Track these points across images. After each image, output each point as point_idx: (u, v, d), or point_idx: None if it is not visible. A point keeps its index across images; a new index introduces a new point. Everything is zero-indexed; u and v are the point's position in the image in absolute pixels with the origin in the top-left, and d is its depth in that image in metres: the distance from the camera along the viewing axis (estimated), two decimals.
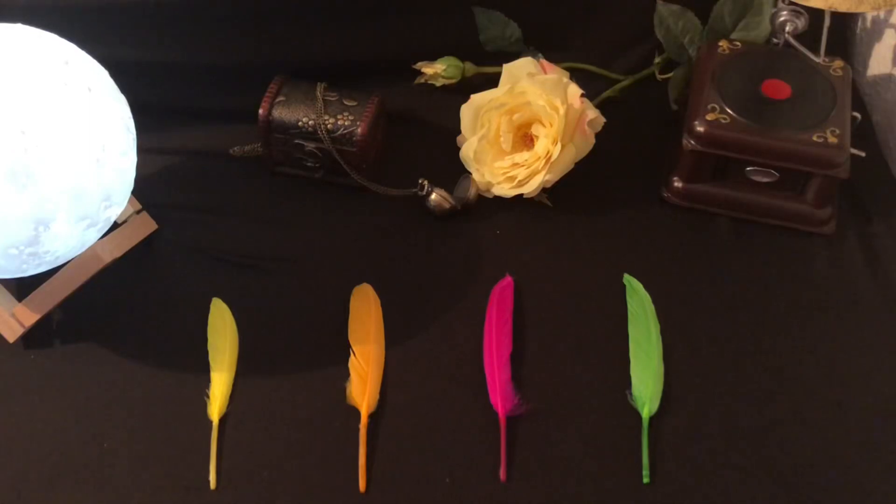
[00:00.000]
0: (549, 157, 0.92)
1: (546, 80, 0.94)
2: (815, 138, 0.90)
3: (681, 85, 1.05)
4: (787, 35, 0.96)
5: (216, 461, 0.80)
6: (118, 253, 0.89)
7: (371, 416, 0.82)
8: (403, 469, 0.80)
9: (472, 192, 0.96)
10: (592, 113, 0.95)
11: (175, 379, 0.85)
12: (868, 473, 0.79)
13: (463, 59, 1.06)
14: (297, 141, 0.96)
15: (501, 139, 0.95)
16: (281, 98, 0.96)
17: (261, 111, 0.96)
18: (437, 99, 1.05)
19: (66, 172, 0.72)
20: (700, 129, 0.92)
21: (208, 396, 0.83)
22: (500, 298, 0.89)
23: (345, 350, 0.86)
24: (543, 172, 0.93)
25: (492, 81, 1.00)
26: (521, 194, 0.94)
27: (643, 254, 0.94)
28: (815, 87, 0.95)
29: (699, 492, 0.78)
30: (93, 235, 0.79)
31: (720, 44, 0.99)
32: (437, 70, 1.04)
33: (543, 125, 0.94)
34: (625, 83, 1.07)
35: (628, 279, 0.91)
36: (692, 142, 0.92)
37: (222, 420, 0.82)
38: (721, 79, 0.95)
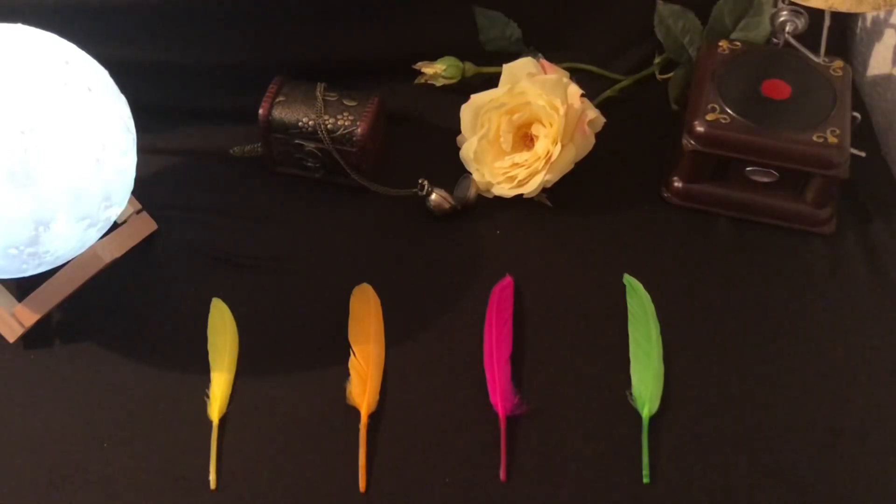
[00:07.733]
0: (549, 157, 0.92)
1: (546, 80, 0.94)
2: (815, 138, 0.90)
3: (681, 85, 1.05)
4: (787, 35, 0.96)
5: (216, 461, 0.80)
6: (118, 253, 0.89)
7: (371, 416, 0.82)
8: (403, 469, 0.80)
9: (472, 192, 0.96)
10: (592, 113, 0.95)
11: (175, 379, 0.85)
12: (868, 473, 0.79)
13: (463, 59, 1.05)
14: (297, 141, 0.96)
15: (501, 139, 0.95)
16: (281, 98, 0.96)
17: (261, 111, 0.96)
18: (437, 99, 1.05)
19: (66, 172, 0.72)
20: (700, 129, 0.92)
21: (208, 396, 0.84)
22: (500, 298, 0.89)
23: (345, 350, 0.86)
24: (543, 172, 0.93)
25: (492, 81, 1.00)
26: (521, 194, 0.94)
27: (643, 254, 0.94)
28: (815, 87, 0.95)
29: (699, 492, 0.78)
30: (93, 235, 0.79)
31: (720, 44, 0.99)
32: (437, 70, 1.04)
33: (543, 125, 0.94)
34: (625, 83, 1.07)
35: (628, 279, 0.91)
36: (692, 142, 0.92)
37: (222, 420, 0.83)
38: (721, 79, 0.95)
